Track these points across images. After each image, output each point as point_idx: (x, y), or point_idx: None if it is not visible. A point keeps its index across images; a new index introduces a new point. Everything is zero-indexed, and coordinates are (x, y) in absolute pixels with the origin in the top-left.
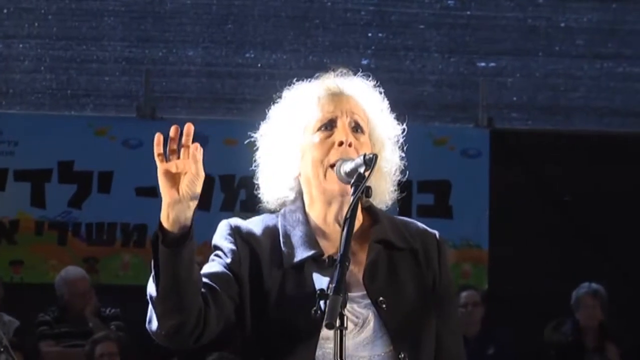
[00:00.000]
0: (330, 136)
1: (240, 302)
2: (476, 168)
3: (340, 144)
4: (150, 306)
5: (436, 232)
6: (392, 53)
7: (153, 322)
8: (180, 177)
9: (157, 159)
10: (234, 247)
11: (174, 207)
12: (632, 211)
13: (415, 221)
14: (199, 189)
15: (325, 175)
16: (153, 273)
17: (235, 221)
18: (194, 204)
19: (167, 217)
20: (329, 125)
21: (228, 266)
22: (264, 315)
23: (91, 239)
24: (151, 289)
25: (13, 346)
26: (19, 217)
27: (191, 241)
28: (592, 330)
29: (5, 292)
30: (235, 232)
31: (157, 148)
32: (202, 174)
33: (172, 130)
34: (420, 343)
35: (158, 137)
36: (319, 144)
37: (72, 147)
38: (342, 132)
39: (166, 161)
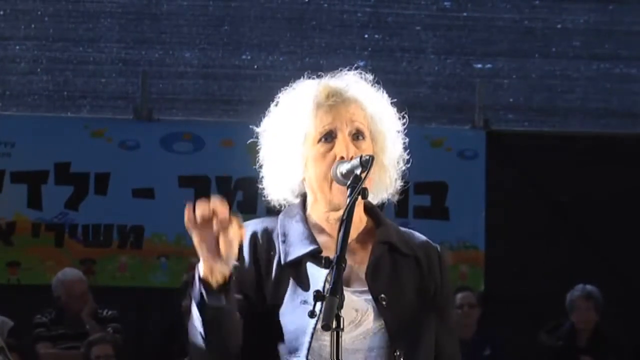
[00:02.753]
0: (331, 149)
1: (250, 316)
2: (473, 169)
3: (342, 158)
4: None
5: (438, 246)
6: (388, 54)
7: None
8: (216, 241)
9: (192, 227)
10: (235, 263)
11: (219, 268)
12: (628, 212)
13: (417, 232)
14: (236, 248)
15: (330, 188)
16: (200, 330)
17: None
18: (233, 260)
19: (209, 276)
20: (329, 137)
21: (236, 287)
22: (262, 310)
23: (88, 240)
24: (197, 339)
25: (9, 347)
26: (16, 218)
27: (233, 293)
28: (587, 332)
29: (2, 293)
30: None
31: (193, 223)
32: (239, 234)
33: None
34: (417, 343)
35: (189, 212)
36: (320, 158)
37: (69, 149)
38: (342, 144)
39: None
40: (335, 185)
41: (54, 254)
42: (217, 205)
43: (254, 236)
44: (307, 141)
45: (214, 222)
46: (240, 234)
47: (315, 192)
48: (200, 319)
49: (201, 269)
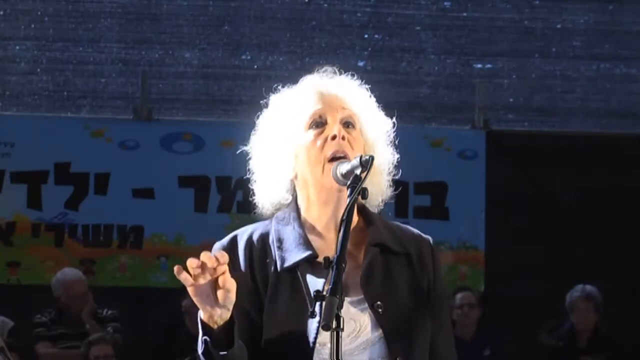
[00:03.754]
0: (322, 132)
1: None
2: (472, 169)
3: (334, 137)
4: None
5: (429, 238)
6: (388, 54)
7: None
8: (212, 291)
9: (187, 284)
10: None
11: (219, 314)
12: (628, 212)
13: (408, 226)
14: (233, 295)
15: (323, 171)
16: None
17: (227, 239)
18: (232, 304)
19: (210, 322)
20: (320, 122)
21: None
22: (261, 320)
23: (88, 240)
24: None
25: (9, 347)
26: (16, 219)
27: (237, 339)
28: (586, 332)
29: (2, 293)
30: (229, 253)
31: (186, 278)
32: (234, 283)
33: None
34: (415, 347)
35: (179, 269)
36: (312, 141)
37: (69, 149)
38: (333, 126)
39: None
40: (327, 166)
41: (53, 254)
42: (206, 258)
43: (249, 244)
44: (298, 130)
45: (206, 274)
46: (232, 282)
47: (307, 182)
48: None
49: (201, 314)
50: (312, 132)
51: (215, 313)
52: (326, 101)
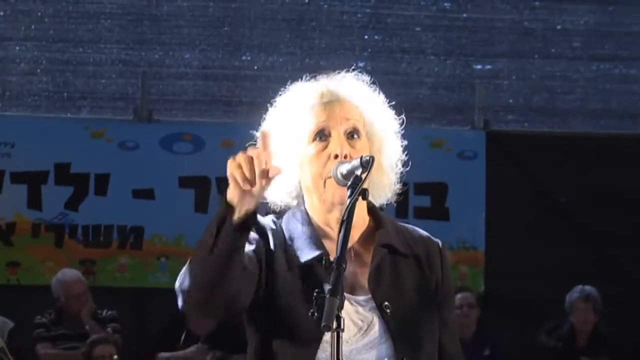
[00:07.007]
0: (325, 147)
1: (258, 285)
2: (472, 170)
3: (336, 156)
4: (188, 272)
5: (439, 241)
6: (388, 55)
7: (186, 284)
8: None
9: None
10: (256, 236)
11: (247, 199)
12: (628, 212)
13: (418, 228)
14: (269, 185)
15: (324, 186)
16: (208, 252)
17: None
18: (261, 197)
19: (234, 201)
20: (323, 136)
21: (252, 251)
22: (270, 314)
23: (88, 241)
24: (200, 266)
25: (10, 348)
26: (16, 219)
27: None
28: (586, 333)
29: (2, 294)
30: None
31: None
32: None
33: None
34: (422, 348)
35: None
36: (315, 157)
37: (69, 149)
38: (336, 142)
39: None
40: (329, 183)
41: (53, 254)
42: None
43: (271, 229)
44: (302, 141)
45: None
46: (277, 169)
47: (311, 192)
48: (211, 238)
49: (228, 193)
50: (316, 147)
51: (245, 194)
52: (329, 112)
